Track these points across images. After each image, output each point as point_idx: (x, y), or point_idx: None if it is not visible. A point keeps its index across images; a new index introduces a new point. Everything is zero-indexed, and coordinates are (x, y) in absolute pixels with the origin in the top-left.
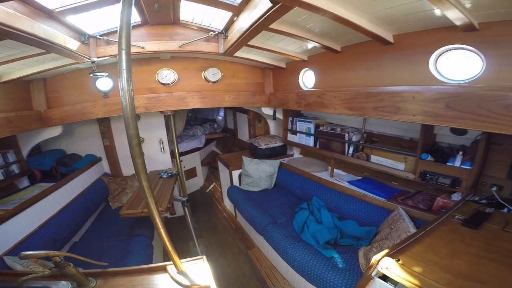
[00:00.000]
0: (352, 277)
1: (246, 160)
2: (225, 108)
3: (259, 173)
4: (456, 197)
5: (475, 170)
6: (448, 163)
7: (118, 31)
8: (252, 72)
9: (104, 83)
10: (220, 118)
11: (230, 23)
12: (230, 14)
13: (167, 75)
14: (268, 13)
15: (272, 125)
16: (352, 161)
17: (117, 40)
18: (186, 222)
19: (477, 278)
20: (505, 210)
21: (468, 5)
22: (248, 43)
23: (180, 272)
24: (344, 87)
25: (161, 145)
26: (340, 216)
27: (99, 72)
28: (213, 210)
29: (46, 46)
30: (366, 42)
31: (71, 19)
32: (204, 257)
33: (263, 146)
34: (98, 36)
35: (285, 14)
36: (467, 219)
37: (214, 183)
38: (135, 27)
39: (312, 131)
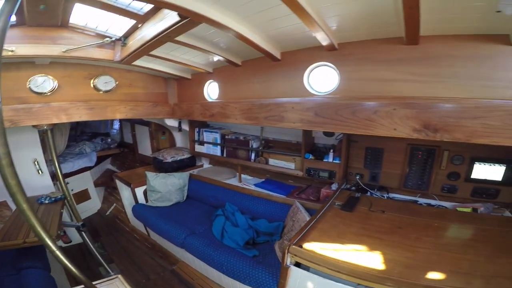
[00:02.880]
0: (276, 270)
1: (150, 175)
2: (121, 120)
3: (168, 187)
4: (334, 186)
5: (342, 163)
6: (324, 160)
7: None
8: (154, 82)
9: None
10: (115, 131)
11: (132, 30)
12: (133, 22)
13: (42, 82)
14: (175, 26)
15: (178, 137)
16: (255, 166)
17: None
18: (88, 248)
19: (362, 252)
20: (368, 193)
21: (333, 28)
22: (151, 52)
23: None
24: (243, 98)
25: (37, 166)
26: (253, 217)
27: None
28: (120, 232)
29: None
30: (261, 58)
31: None
32: (120, 276)
33: (169, 159)
34: None
35: (193, 28)
36: (344, 204)
37: (115, 204)
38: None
39: (219, 141)
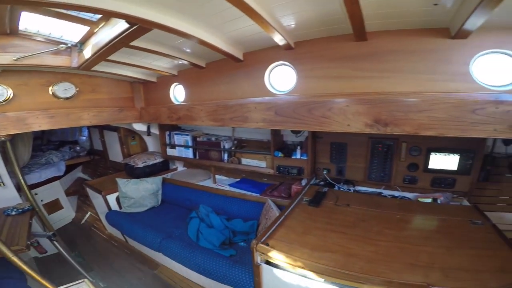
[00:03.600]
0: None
1: (121, 182)
2: (89, 127)
3: (141, 192)
4: (304, 182)
5: (310, 159)
6: (292, 157)
7: None
8: (118, 86)
9: None
10: (84, 139)
11: (88, 36)
12: (87, 28)
13: None
14: (126, 33)
15: (149, 141)
16: (228, 166)
17: None
18: (64, 258)
19: (327, 248)
20: (336, 187)
21: (288, 27)
22: (109, 58)
23: None
24: (209, 100)
25: None
26: (228, 217)
27: None
28: (97, 240)
29: None
30: (224, 59)
31: None
32: (86, 280)
33: (140, 165)
34: None
35: (146, 34)
36: (311, 200)
37: (89, 213)
38: None
39: (190, 143)
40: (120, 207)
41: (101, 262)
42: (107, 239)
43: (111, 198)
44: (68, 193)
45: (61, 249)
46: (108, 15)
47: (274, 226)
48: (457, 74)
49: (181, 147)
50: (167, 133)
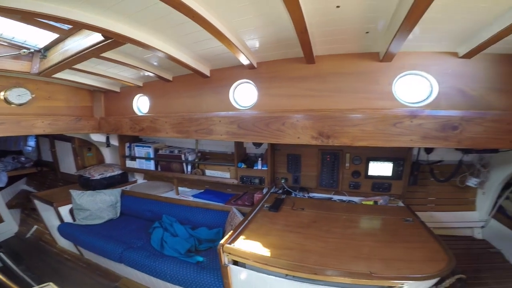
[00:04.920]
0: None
1: (75, 193)
2: (37, 136)
3: (97, 204)
4: (265, 191)
5: (270, 169)
6: (254, 167)
7: None
8: (77, 94)
9: None
10: (30, 149)
11: (55, 43)
12: (56, 35)
13: None
14: (100, 45)
15: (106, 153)
16: (192, 178)
17: None
18: (11, 271)
19: (286, 246)
20: (293, 194)
21: (252, 49)
22: (75, 66)
23: None
24: (174, 112)
25: None
26: (193, 226)
27: None
28: (47, 254)
29: None
30: (191, 74)
31: None
32: (51, 283)
33: (97, 177)
34: None
35: (118, 47)
36: (271, 205)
37: (36, 226)
38: None
39: (152, 155)
40: (74, 220)
41: (53, 276)
42: (59, 253)
43: (64, 210)
44: (10, 205)
45: (9, 262)
46: (85, 28)
47: (239, 229)
48: (383, 93)
49: (142, 159)
50: (127, 144)
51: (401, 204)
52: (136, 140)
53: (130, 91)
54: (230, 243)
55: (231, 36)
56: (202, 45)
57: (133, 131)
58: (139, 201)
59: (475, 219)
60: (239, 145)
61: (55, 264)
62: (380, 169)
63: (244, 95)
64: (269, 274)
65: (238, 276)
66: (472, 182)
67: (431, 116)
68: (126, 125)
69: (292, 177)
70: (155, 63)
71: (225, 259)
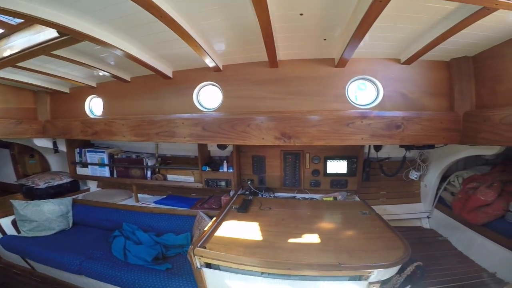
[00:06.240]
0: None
1: (17, 203)
2: None
3: (45, 215)
4: (232, 193)
5: (236, 171)
6: (220, 170)
7: None
8: (18, 95)
9: None
10: None
11: None
12: (0, 30)
13: None
14: (53, 42)
15: (52, 159)
16: (152, 183)
17: None
18: None
19: (258, 245)
20: (259, 195)
21: (218, 52)
22: (18, 64)
23: None
24: (132, 115)
25: None
26: (158, 233)
27: None
28: None
29: None
30: (152, 75)
31: None
32: None
33: (42, 185)
34: None
35: (74, 44)
36: (239, 207)
37: None
38: None
39: (106, 161)
40: (19, 232)
41: None
42: (5, 268)
43: (5, 222)
44: None
45: None
46: (40, 23)
47: (209, 232)
48: (338, 96)
49: (95, 166)
50: (77, 150)
51: (357, 198)
52: (87, 145)
53: (81, 92)
54: (201, 246)
55: (199, 38)
56: (167, 46)
57: (85, 135)
58: (95, 210)
59: (421, 210)
60: (202, 148)
61: (4, 279)
62: (337, 167)
63: (208, 97)
64: (245, 274)
65: (213, 278)
66: (414, 175)
67: (378, 116)
68: (77, 128)
69: (257, 178)
70: (112, 62)
71: (197, 262)
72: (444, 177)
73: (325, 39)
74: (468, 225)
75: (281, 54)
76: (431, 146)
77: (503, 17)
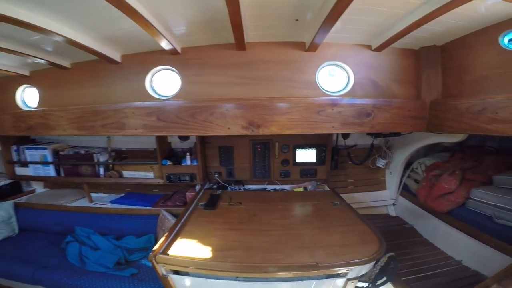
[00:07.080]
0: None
1: None
2: None
3: None
4: (198, 188)
5: (201, 164)
6: (182, 164)
7: None
8: None
9: None
10: None
11: None
12: None
13: None
14: None
15: None
16: (107, 181)
17: None
18: None
19: (229, 246)
20: (228, 189)
21: (176, 32)
22: None
23: None
24: (73, 105)
25: None
26: (118, 236)
27: None
28: None
29: None
30: (97, 60)
31: None
32: None
33: None
34: None
35: None
36: (206, 203)
37: None
38: None
39: (50, 159)
40: None
41: None
42: None
43: None
44: None
45: None
46: None
47: (173, 234)
48: (308, 82)
49: (37, 164)
50: (13, 147)
51: (327, 188)
52: (27, 141)
53: (11, 81)
54: (163, 252)
55: (149, 16)
56: (110, 25)
57: (18, 131)
58: (42, 213)
59: (387, 198)
60: (161, 140)
61: None
62: (306, 156)
63: (165, 84)
64: (218, 279)
65: (183, 286)
66: (380, 163)
67: (349, 104)
68: (7, 123)
69: (226, 171)
70: (47, 48)
71: (161, 269)
72: (407, 165)
73: (297, 20)
74: (432, 212)
75: (249, 36)
76: (397, 134)
77: (479, 5)
